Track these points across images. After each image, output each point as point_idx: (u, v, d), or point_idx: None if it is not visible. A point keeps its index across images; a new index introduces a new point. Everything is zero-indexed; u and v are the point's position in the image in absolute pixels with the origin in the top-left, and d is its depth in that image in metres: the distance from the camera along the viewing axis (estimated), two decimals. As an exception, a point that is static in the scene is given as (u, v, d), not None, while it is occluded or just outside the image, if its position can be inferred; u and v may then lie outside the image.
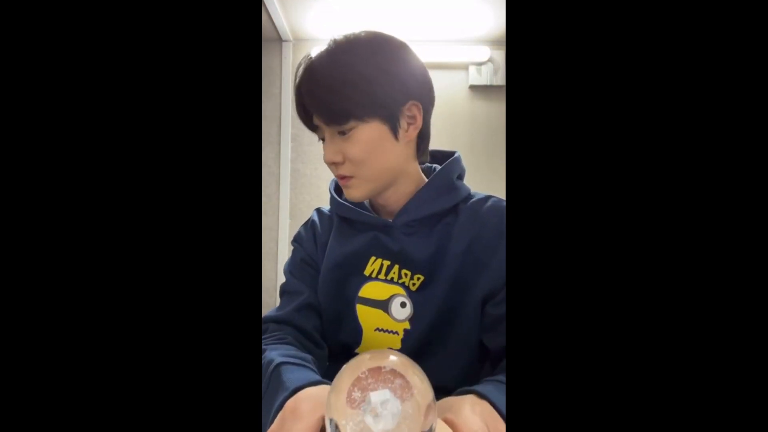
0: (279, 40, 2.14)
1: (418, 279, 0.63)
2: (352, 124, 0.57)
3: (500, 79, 2.13)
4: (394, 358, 0.35)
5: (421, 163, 0.70)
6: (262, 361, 0.55)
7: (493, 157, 2.14)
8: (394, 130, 0.59)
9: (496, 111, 2.17)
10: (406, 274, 0.63)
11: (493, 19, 2.00)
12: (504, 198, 0.68)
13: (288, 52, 2.16)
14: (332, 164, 0.60)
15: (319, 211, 0.76)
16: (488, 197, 0.67)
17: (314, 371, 0.52)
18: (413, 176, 0.66)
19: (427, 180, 0.68)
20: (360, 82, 0.56)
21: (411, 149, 0.64)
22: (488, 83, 2.14)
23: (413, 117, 0.60)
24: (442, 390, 0.62)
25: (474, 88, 2.18)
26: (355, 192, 0.62)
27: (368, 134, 0.58)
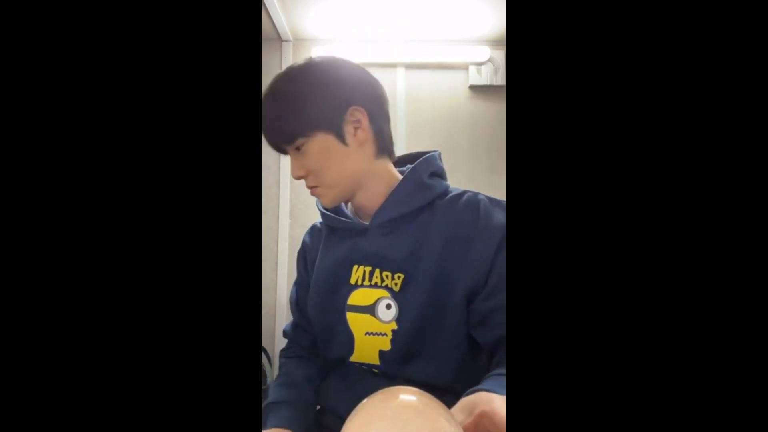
0: (279, 40, 2.14)
1: (399, 278, 0.64)
2: (300, 141, 0.63)
3: (500, 79, 2.13)
4: (416, 399, 0.34)
5: (395, 164, 0.73)
6: (276, 380, 0.69)
7: (493, 157, 2.14)
8: (341, 137, 0.63)
9: (496, 111, 2.17)
10: (387, 276, 0.65)
11: (493, 19, 2.00)
12: (493, 195, 0.70)
13: (288, 52, 2.16)
14: (299, 179, 0.66)
15: (312, 227, 0.80)
16: (464, 192, 0.68)
17: (294, 418, 0.64)
18: (384, 177, 0.69)
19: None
20: (295, 103, 0.62)
21: (368, 150, 0.66)
22: (488, 83, 2.14)
23: (358, 121, 0.64)
24: (436, 389, 0.62)
25: (474, 88, 2.18)
26: (324, 199, 0.67)
27: (316, 146, 0.63)
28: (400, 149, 0.75)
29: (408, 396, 0.35)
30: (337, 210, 0.73)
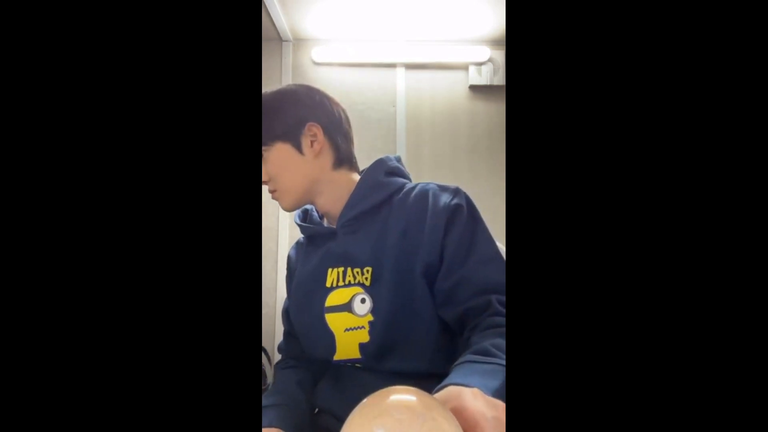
0: (279, 40, 2.14)
1: (368, 272, 0.68)
2: (263, 149, 0.72)
3: (500, 79, 2.13)
4: (415, 399, 0.34)
5: (361, 173, 0.79)
6: (267, 391, 0.71)
7: (493, 157, 2.14)
8: (298, 147, 0.72)
9: (496, 111, 2.17)
10: (357, 273, 0.69)
11: (493, 19, 2.00)
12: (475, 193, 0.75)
13: (288, 52, 2.16)
14: (264, 184, 0.73)
15: (296, 242, 0.86)
16: (417, 185, 0.74)
17: (285, 416, 0.67)
18: (344, 184, 0.75)
19: None
20: (262, 119, 0.73)
21: (325, 160, 0.74)
22: (488, 83, 2.14)
23: (314, 135, 0.73)
24: (418, 375, 0.64)
25: (474, 88, 2.18)
26: (282, 203, 0.75)
27: (275, 154, 0.72)
28: (401, 149, 0.79)
29: (407, 396, 0.35)
30: (310, 219, 0.81)
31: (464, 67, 2.17)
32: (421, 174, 2.05)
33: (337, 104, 0.77)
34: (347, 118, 0.78)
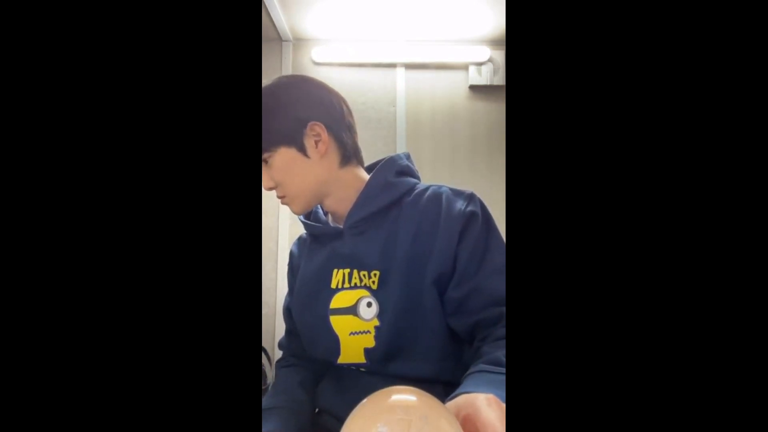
0: (279, 40, 2.14)
1: (375, 275, 0.67)
2: (266, 155, 0.69)
3: (500, 79, 2.13)
4: (417, 398, 0.34)
5: (369, 170, 0.77)
6: (269, 391, 0.72)
7: (493, 157, 2.14)
8: (302, 150, 0.69)
9: (496, 111, 2.17)
10: (364, 275, 0.68)
11: (493, 19, 2.00)
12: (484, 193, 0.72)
13: (288, 52, 2.16)
14: (269, 189, 0.71)
15: (299, 237, 0.84)
16: (429, 187, 0.72)
17: (287, 419, 0.66)
18: (352, 182, 0.73)
19: None
20: (262, 121, 0.69)
21: (331, 160, 0.71)
22: (488, 83, 2.14)
23: (317, 135, 0.69)
24: (424, 381, 0.63)
25: (474, 88, 2.18)
26: (293, 207, 0.73)
27: (280, 159, 0.69)
28: (401, 149, 0.77)
29: (409, 395, 0.35)
30: (315, 217, 0.78)
31: (464, 67, 2.17)
32: (421, 174, 2.04)
33: (337, 94, 0.73)
34: (348, 108, 0.74)
